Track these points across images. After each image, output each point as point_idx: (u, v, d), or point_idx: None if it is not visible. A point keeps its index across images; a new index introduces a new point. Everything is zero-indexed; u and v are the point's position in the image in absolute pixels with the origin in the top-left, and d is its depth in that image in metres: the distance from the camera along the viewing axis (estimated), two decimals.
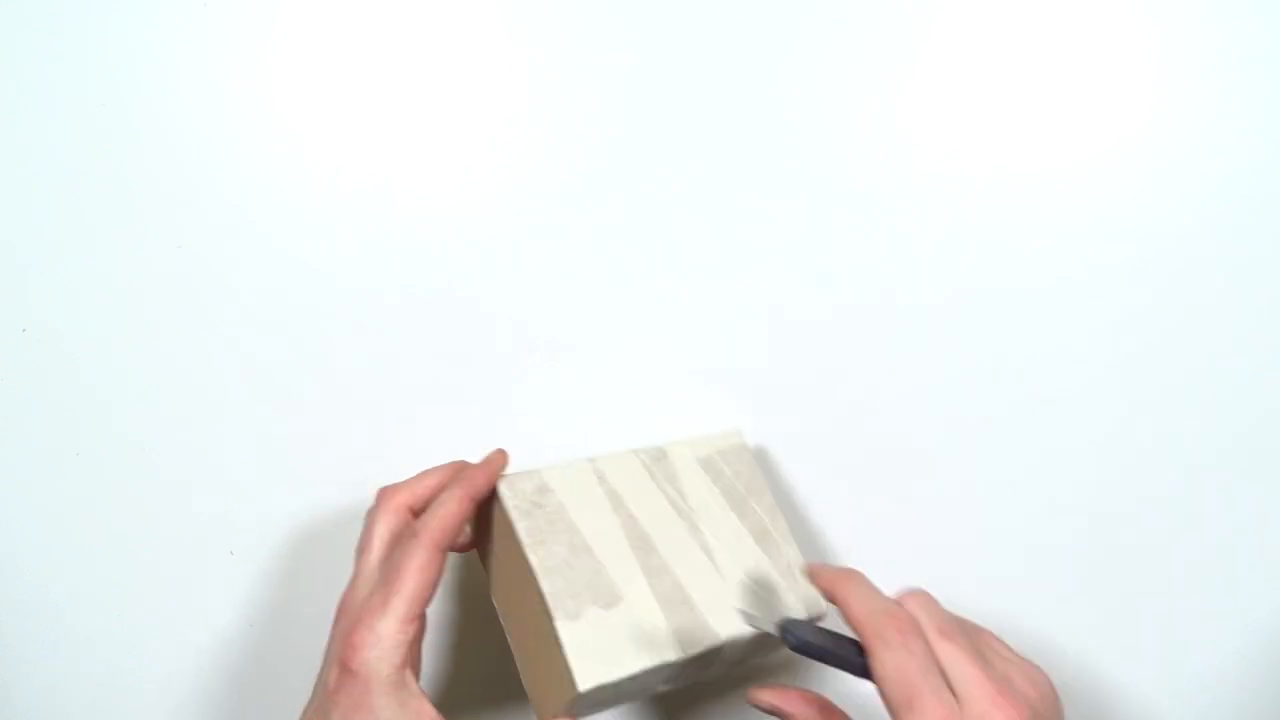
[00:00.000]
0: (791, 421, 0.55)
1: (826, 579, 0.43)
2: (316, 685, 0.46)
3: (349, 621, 0.44)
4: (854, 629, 0.41)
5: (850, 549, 0.57)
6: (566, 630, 0.44)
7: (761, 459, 0.56)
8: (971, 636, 0.43)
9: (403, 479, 0.49)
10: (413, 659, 0.44)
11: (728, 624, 0.47)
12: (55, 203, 0.54)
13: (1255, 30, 0.52)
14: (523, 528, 0.46)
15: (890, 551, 0.56)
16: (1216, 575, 0.55)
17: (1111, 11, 0.53)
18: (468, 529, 0.51)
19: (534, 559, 0.45)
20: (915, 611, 0.42)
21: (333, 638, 0.46)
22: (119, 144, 0.53)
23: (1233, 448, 0.55)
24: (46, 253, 0.54)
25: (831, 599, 0.43)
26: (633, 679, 0.45)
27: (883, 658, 0.40)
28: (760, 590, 0.49)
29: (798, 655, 0.42)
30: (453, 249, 0.54)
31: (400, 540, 0.46)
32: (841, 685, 0.45)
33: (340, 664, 0.43)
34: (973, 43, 0.53)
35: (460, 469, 0.48)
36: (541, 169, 0.54)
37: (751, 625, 0.43)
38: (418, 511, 0.47)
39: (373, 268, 0.54)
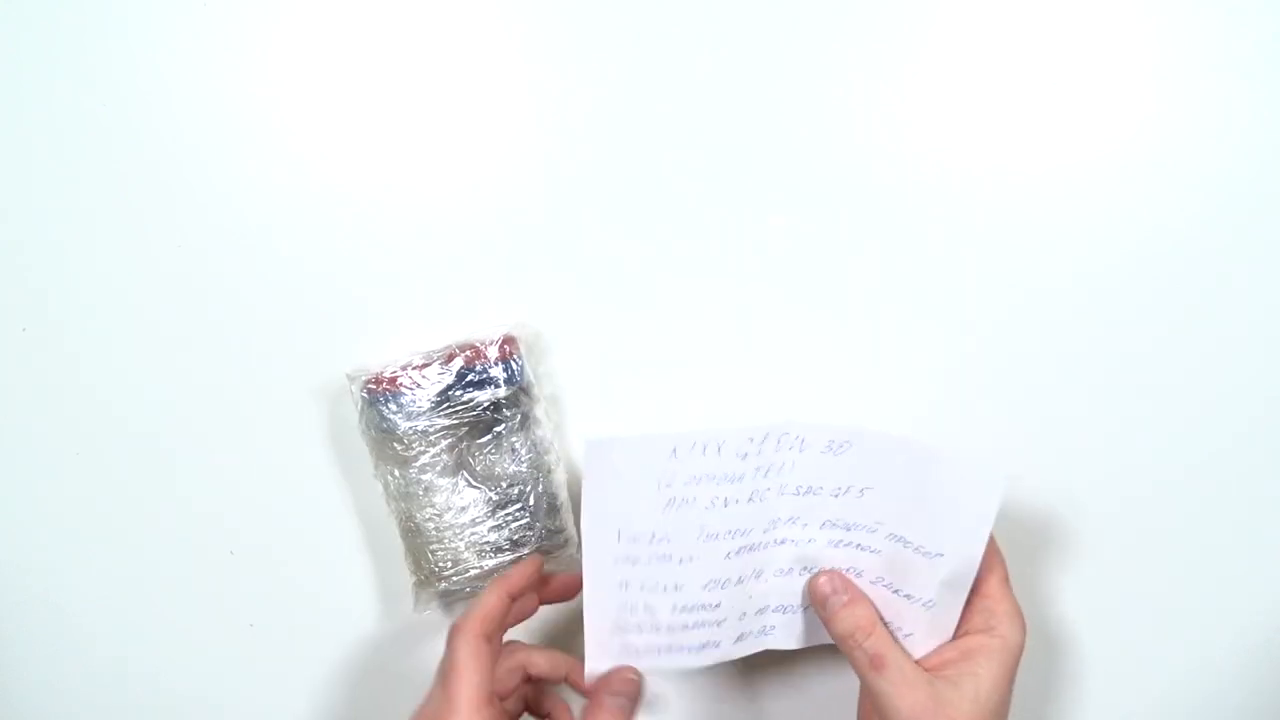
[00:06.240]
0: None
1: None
2: None
3: None
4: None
5: None
6: None
7: None
8: None
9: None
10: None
11: None
12: (55, 203, 0.54)
13: (1256, 30, 0.52)
14: None
15: None
16: (1216, 575, 0.55)
17: (1112, 11, 0.53)
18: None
19: None
20: None
21: None
22: (119, 144, 0.53)
23: (1232, 447, 0.55)
24: (46, 253, 0.54)
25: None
26: None
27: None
28: None
29: None
30: (453, 249, 0.54)
31: (448, 642, 0.48)
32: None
33: None
34: (974, 43, 0.53)
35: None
36: (541, 170, 0.54)
37: None
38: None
39: (373, 268, 0.54)
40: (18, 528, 0.56)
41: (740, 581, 0.48)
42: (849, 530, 0.48)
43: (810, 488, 0.47)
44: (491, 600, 0.47)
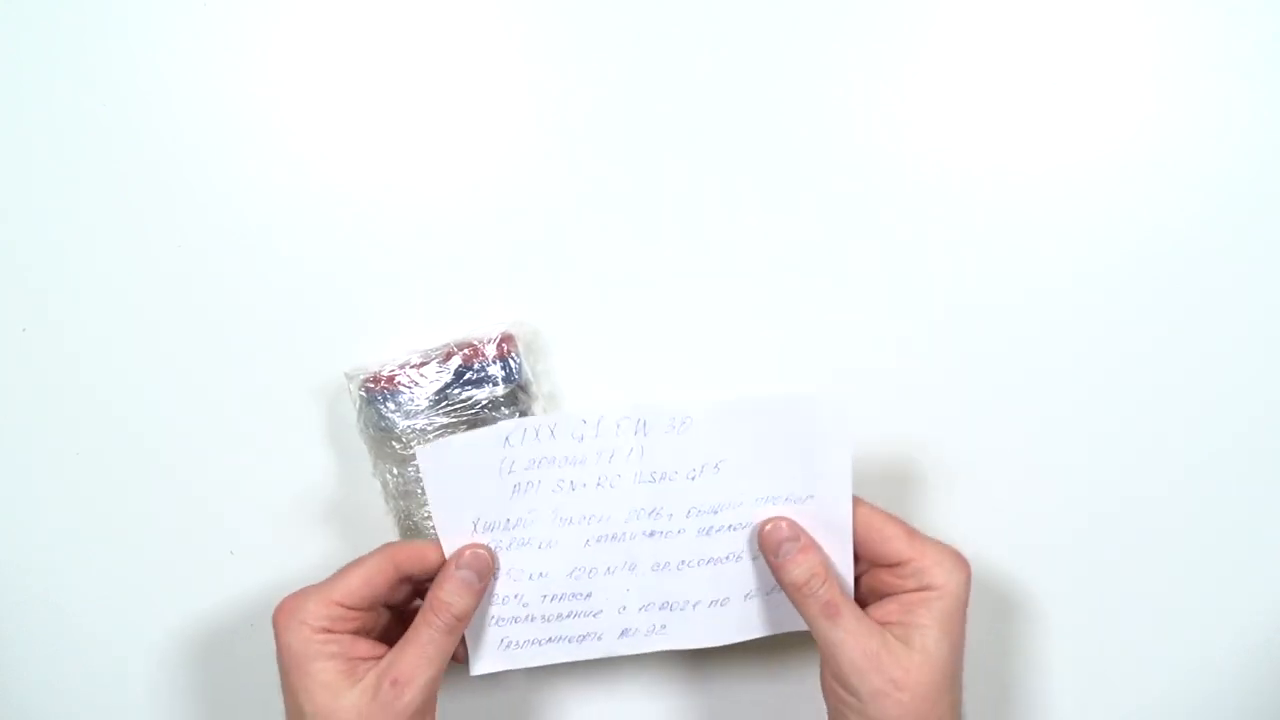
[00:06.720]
0: None
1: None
2: None
3: None
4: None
5: None
6: None
7: None
8: None
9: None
10: (345, 640, 0.46)
11: None
12: (55, 203, 0.54)
13: (1256, 30, 0.52)
14: None
15: None
16: (1216, 575, 0.55)
17: (1112, 11, 0.53)
18: None
19: None
20: None
21: None
22: (119, 144, 0.53)
23: (1232, 448, 0.55)
24: (46, 253, 0.54)
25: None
26: None
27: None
28: None
29: None
30: (452, 248, 0.54)
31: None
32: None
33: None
34: (974, 43, 0.53)
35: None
36: (540, 169, 0.54)
37: None
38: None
39: (372, 268, 0.54)
40: (18, 528, 0.56)
41: (610, 572, 0.48)
42: (716, 514, 0.47)
43: (664, 474, 0.46)
44: (427, 548, 0.48)
